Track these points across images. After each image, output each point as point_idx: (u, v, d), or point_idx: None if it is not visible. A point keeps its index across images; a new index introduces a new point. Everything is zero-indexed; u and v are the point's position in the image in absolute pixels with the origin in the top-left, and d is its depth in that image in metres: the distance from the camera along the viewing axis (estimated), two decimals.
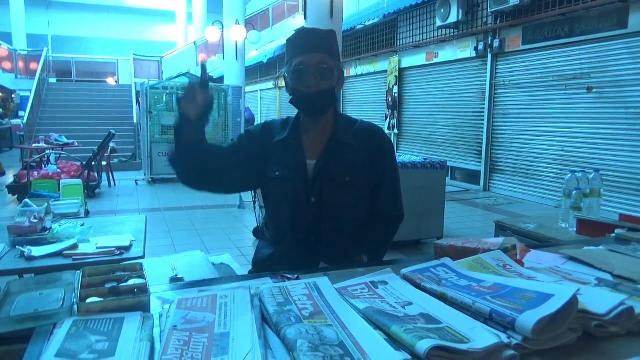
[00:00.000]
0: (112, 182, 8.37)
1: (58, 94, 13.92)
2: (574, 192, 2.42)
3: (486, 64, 7.65)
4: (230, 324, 0.80)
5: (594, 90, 5.96)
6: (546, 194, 6.75)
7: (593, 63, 5.96)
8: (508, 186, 7.48)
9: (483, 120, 7.79)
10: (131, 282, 0.93)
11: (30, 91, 12.43)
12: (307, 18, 6.02)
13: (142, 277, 0.95)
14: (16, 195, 6.69)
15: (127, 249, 2.06)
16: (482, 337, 0.74)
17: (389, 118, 10.31)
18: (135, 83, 13.03)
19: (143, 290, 0.90)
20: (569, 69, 6.30)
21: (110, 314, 0.83)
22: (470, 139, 8.23)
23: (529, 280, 0.96)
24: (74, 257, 1.95)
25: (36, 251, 1.96)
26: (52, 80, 15.84)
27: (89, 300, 0.85)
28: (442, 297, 0.89)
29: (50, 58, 16.34)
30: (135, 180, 8.76)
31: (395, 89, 9.94)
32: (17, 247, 2.01)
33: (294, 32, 1.48)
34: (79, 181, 3.53)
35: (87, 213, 3.34)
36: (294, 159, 1.48)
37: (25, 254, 1.93)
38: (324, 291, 0.92)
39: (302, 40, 1.43)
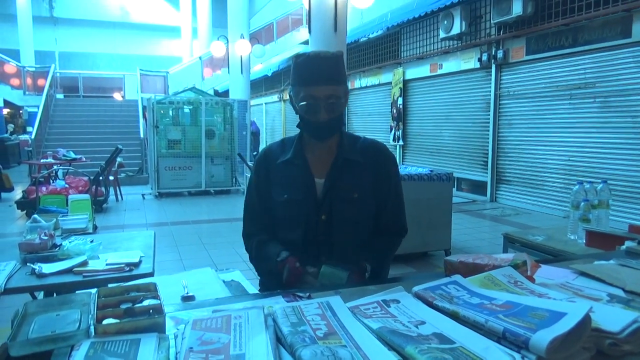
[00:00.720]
0: (119, 197, 8.42)
1: (65, 110, 14.06)
2: (582, 203, 2.42)
3: (490, 75, 7.67)
4: (245, 345, 0.80)
5: (599, 100, 5.96)
6: (554, 204, 6.72)
7: (598, 72, 5.97)
8: (515, 197, 7.46)
9: (488, 130, 7.79)
10: (146, 302, 0.94)
11: (38, 107, 12.56)
12: (311, 32, 6.07)
13: (157, 297, 0.96)
14: (25, 211, 6.74)
15: (137, 265, 2.07)
16: (496, 357, 0.74)
17: (393, 129, 10.33)
18: (142, 98, 13.16)
19: (158, 311, 0.91)
20: (573, 79, 6.31)
21: (126, 335, 0.84)
22: (475, 149, 8.23)
23: (540, 297, 0.96)
24: (84, 274, 1.97)
25: (47, 268, 1.97)
26: (60, 96, 16.00)
27: (105, 322, 0.86)
28: (454, 316, 0.89)
29: (58, 74, 16.53)
30: (142, 195, 8.81)
31: (400, 101, 9.98)
32: (27, 264, 2.02)
33: (302, 55, 1.46)
34: (86, 196, 3.55)
35: (95, 228, 3.36)
36: (302, 179, 1.50)
37: (36, 271, 1.94)
38: (337, 310, 0.93)
39: (310, 71, 1.42)
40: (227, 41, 11.96)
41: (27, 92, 15.99)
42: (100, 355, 0.77)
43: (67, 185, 6.91)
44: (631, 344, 0.81)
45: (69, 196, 3.63)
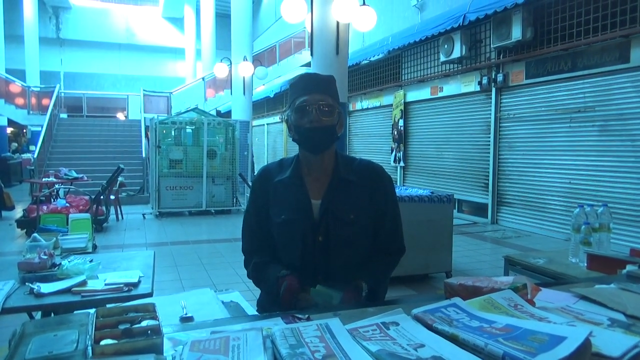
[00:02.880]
0: (119, 216, 8.41)
1: (69, 129, 14.17)
2: (583, 226, 2.41)
3: (490, 98, 7.74)
4: None
5: (599, 124, 6.00)
6: (555, 227, 6.70)
7: (597, 96, 6.02)
8: (516, 219, 7.44)
9: (489, 153, 7.82)
10: (144, 323, 0.94)
11: (42, 126, 12.64)
12: (314, 54, 6.15)
13: (155, 318, 0.96)
14: (25, 230, 6.73)
15: (136, 285, 2.06)
16: None
17: (394, 151, 10.38)
18: (145, 118, 13.25)
19: (156, 332, 0.90)
20: (573, 103, 6.36)
21: (124, 356, 0.83)
22: (476, 171, 8.24)
23: (540, 321, 0.96)
24: (82, 294, 1.96)
25: (45, 288, 1.96)
26: (63, 115, 16.13)
27: (102, 343, 0.86)
28: (454, 339, 0.89)
29: (62, 94, 16.68)
30: (143, 214, 8.80)
31: (401, 123, 10.05)
32: (26, 283, 2.01)
33: (297, 76, 1.56)
34: (87, 215, 3.55)
35: (95, 247, 3.34)
36: (299, 200, 1.52)
37: (35, 290, 1.93)
38: (335, 333, 0.92)
39: (304, 83, 1.51)
40: (230, 63, 12.11)
41: (31, 112, 16.13)
42: None
43: (67, 204, 6.92)
44: None
45: (70, 215, 3.62)
